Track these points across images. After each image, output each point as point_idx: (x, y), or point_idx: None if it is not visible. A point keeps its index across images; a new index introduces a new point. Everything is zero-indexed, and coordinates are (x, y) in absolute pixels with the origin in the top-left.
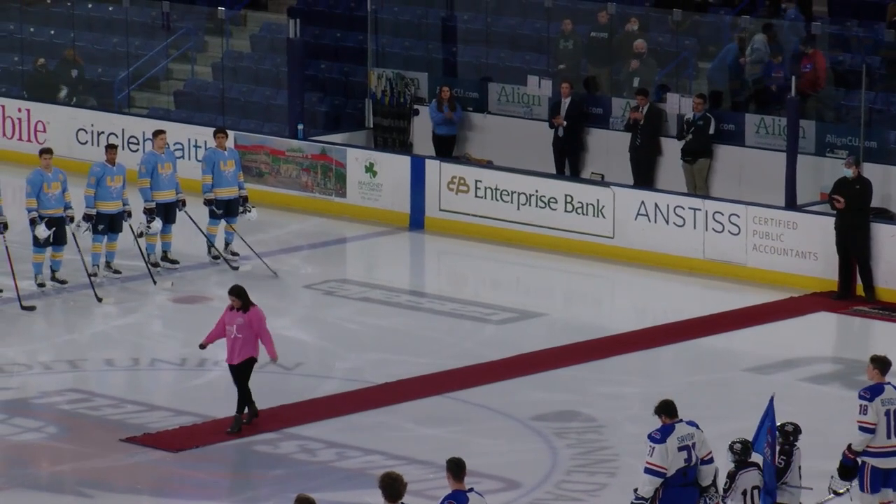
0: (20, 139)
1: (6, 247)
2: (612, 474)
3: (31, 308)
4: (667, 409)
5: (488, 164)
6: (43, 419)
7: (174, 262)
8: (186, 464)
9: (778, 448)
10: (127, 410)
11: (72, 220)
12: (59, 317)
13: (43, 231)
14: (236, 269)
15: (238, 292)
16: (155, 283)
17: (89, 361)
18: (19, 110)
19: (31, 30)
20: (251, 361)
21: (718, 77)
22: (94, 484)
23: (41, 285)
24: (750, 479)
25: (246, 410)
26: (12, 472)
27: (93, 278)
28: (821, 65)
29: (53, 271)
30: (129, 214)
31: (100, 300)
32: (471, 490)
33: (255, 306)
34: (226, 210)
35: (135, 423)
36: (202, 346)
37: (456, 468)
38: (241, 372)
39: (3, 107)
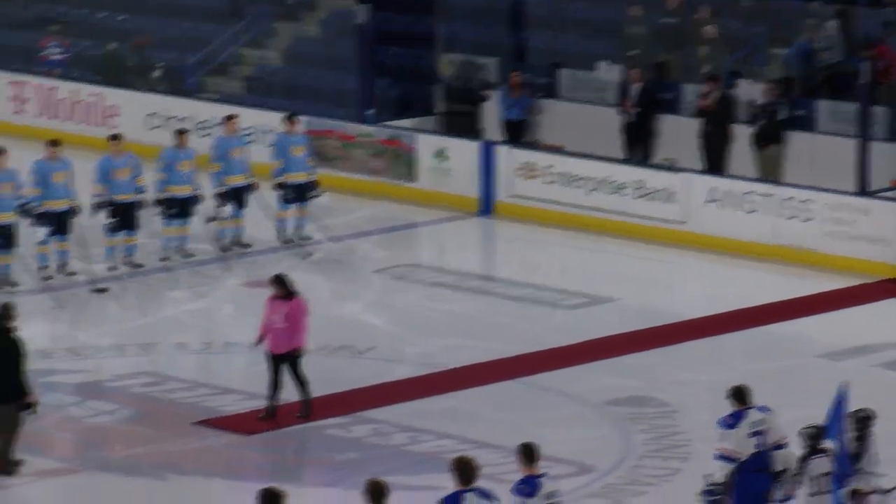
0: (92, 124)
1: (78, 230)
2: (685, 459)
3: (104, 290)
4: (738, 395)
5: (559, 150)
6: (117, 402)
7: (246, 245)
8: (258, 447)
9: (852, 435)
10: (199, 393)
11: (145, 204)
12: (131, 300)
13: (107, 218)
14: (310, 255)
15: (279, 280)
16: (226, 269)
17: (162, 345)
18: (92, 95)
19: (103, 15)
20: (297, 351)
21: (791, 63)
22: (168, 467)
23: (112, 268)
24: (820, 465)
25: (284, 400)
26: (87, 455)
27: (165, 262)
28: (891, 55)
29: (127, 256)
30: (201, 199)
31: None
32: (544, 475)
33: (299, 295)
34: (297, 194)
35: (207, 406)
36: (258, 342)
37: (528, 452)
38: (287, 362)
39: (76, 91)
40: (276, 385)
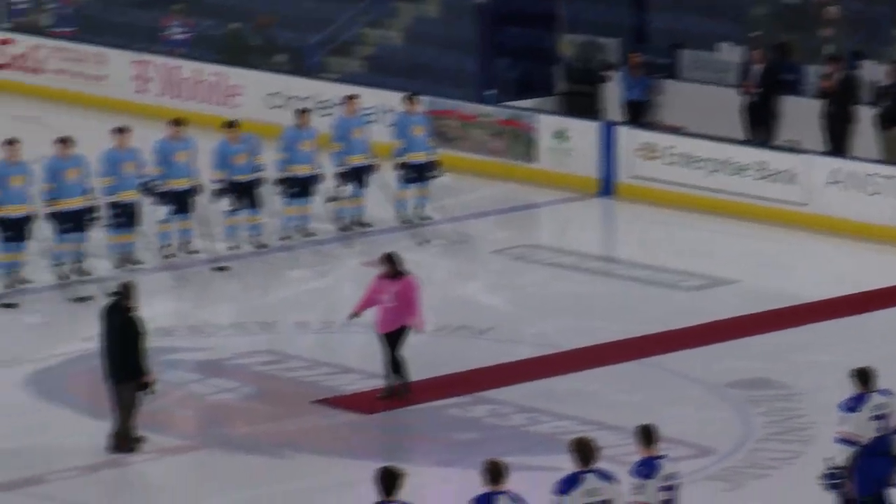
0: (214, 103)
1: (200, 209)
2: (807, 442)
3: (225, 268)
4: (862, 378)
5: (680, 131)
6: (237, 380)
7: (366, 225)
8: (378, 426)
9: None
10: (320, 372)
11: (263, 183)
12: (253, 279)
13: (226, 204)
14: (427, 242)
15: (389, 258)
16: (345, 249)
17: (282, 323)
18: (214, 74)
19: None
20: (404, 330)
21: None
22: (287, 445)
23: (234, 248)
24: None
25: (396, 381)
26: (208, 432)
27: (286, 241)
28: None
29: (253, 235)
30: (322, 178)
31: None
32: (663, 457)
33: (409, 274)
34: (417, 175)
35: (327, 384)
36: (353, 316)
37: (648, 434)
38: (394, 341)
39: (199, 71)
40: (391, 364)
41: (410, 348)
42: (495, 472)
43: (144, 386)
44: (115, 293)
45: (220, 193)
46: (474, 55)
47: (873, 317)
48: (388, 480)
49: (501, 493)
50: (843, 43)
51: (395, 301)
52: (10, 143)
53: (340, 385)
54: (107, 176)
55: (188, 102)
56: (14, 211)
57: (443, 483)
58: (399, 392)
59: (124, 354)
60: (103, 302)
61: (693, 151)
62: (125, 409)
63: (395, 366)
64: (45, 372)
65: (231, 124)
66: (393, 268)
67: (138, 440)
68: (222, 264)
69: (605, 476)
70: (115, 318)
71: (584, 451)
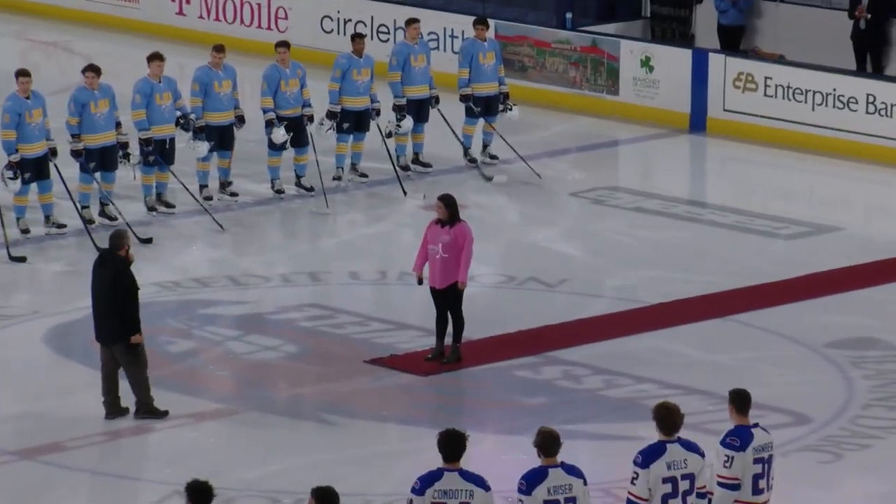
0: (259, 27)
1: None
2: None
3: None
4: None
5: (780, 59)
6: (281, 337)
7: (427, 165)
8: (437, 389)
9: None
10: (373, 329)
11: (311, 119)
12: (299, 225)
13: (281, 135)
14: (490, 179)
15: (448, 201)
16: (405, 193)
17: (332, 274)
18: None
19: None
20: (456, 287)
21: None
22: (336, 409)
23: (279, 192)
24: None
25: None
26: (248, 394)
27: (335, 181)
28: None
29: (299, 177)
30: (378, 112)
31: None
32: (756, 425)
33: (463, 222)
34: (484, 108)
35: (381, 342)
36: (420, 282)
37: (740, 400)
38: (450, 298)
39: None
40: (442, 323)
41: (474, 302)
42: (545, 444)
43: (131, 347)
44: (109, 243)
45: (270, 124)
46: None
47: None
48: (452, 444)
49: (555, 466)
50: None
51: (446, 252)
52: (22, 74)
53: (396, 343)
54: (139, 108)
55: (231, 27)
56: (32, 150)
57: (508, 452)
58: (449, 357)
59: (120, 312)
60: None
61: (795, 82)
62: (132, 372)
63: (444, 325)
64: (68, 326)
65: (281, 44)
66: (445, 213)
67: (165, 412)
68: (264, 208)
69: (691, 447)
70: (107, 272)
71: (669, 417)
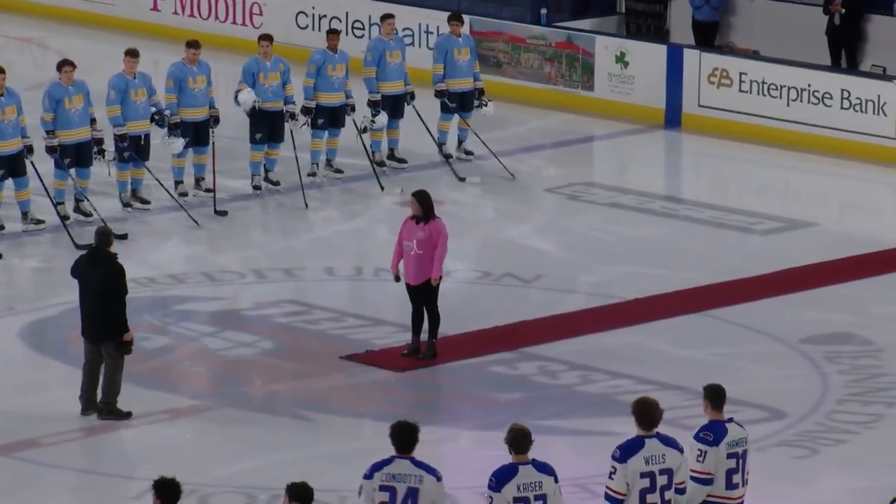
0: (234, 22)
1: (213, 142)
2: (891, 404)
3: (223, 213)
4: None
5: (755, 55)
6: (257, 333)
7: (402, 161)
8: (413, 385)
9: None
10: (348, 325)
11: (292, 115)
12: (275, 220)
13: (249, 97)
14: (463, 180)
15: (422, 197)
16: (382, 188)
17: (308, 270)
18: None
19: None
20: (430, 283)
21: None
22: (312, 405)
23: (256, 187)
24: None
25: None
26: (224, 390)
27: (310, 178)
28: None
29: (267, 171)
30: (353, 108)
31: (307, 205)
32: (730, 420)
33: (438, 218)
34: (459, 104)
35: (357, 338)
36: (397, 279)
37: (714, 395)
38: (425, 294)
39: None
40: (418, 320)
41: (449, 298)
42: (516, 441)
43: (123, 345)
44: (97, 241)
45: (250, 116)
46: None
47: None
48: (403, 436)
49: (525, 463)
50: None
51: (422, 248)
52: None
53: (371, 339)
54: (114, 105)
55: (206, 22)
56: (8, 147)
57: (483, 448)
58: (424, 353)
59: (113, 310)
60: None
61: (770, 78)
62: (112, 370)
63: (420, 321)
64: (43, 323)
65: (264, 37)
66: (419, 209)
67: (129, 413)
68: (221, 208)
69: (668, 442)
70: (99, 270)
71: (648, 412)
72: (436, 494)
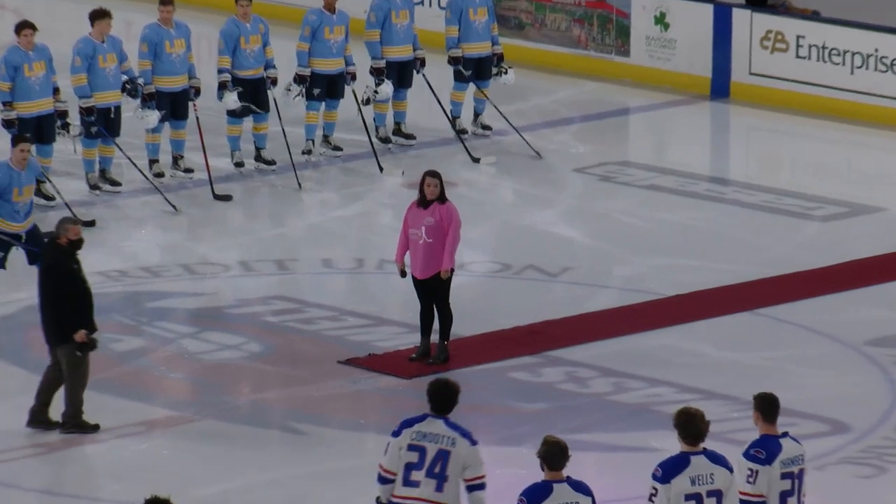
0: None
1: (197, 117)
2: None
3: (227, 198)
4: None
5: (814, 15)
6: (243, 334)
7: (410, 137)
8: (422, 394)
9: None
10: (348, 325)
11: (274, 82)
12: (263, 205)
13: (233, 101)
14: (478, 161)
15: (424, 179)
16: (381, 169)
17: (301, 262)
18: None
19: None
20: (441, 276)
21: None
22: (307, 417)
23: (239, 164)
24: None
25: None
26: (205, 400)
27: (304, 156)
28: None
29: (258, 149)
30: (353, 76)
31: (301, 186)
32: (785, 435)
33: (449, 202)
34: (475, 72)
35: (358, 340)
36: (403, 274)
37: (766, 406)
38: (435, 289)
39: None
40: (427, 318)
41: (463, 293)
42: (551, 456)
43: (80, 347)
44: (57, 233)
45: (224, 86)
46: None
47: None
48: (440, 396)
49: (561, 481)
50: None
51: (430, 236)
52: None
53: (374, 341)
54: (80, 73)
55: None
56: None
57: (503, 466)
58: (435, 357)
59: (53, 311)
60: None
61: (831, 42)
62: (68, 378)
63: (430, 321)
64: (1, 321)
65: None
66: (438, 190)
67: (96, 426)
68: (223, 191)
69: (716, 459)
70: (40, 265)
71: (692, 424)
72: (469, 460)
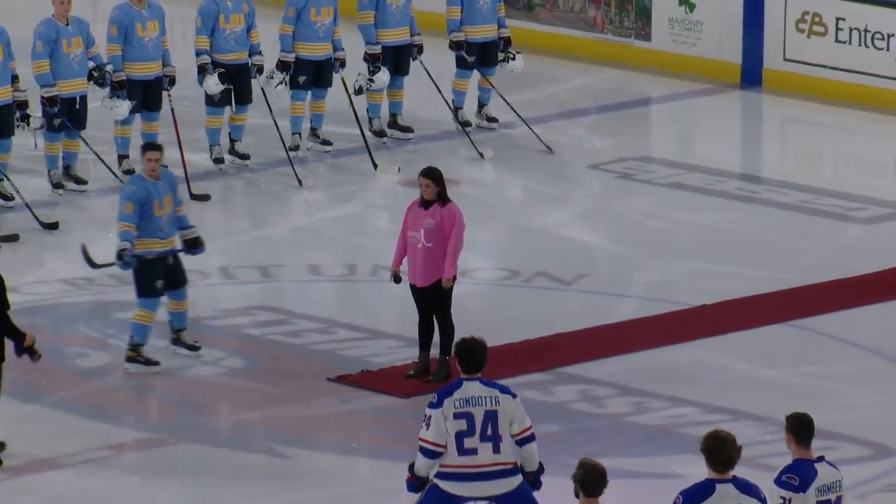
0: None
1: (172, 108)
2: None
3: (205, 197)
4: None
5: None
6: (222, 348)
7: (406, 129)
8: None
9: None
10: (339, 338)
11: (260, 70)
12: (243, 206)
13: (214, 84)
14: (483, 155)
15: (435, 176)
16: (375, 165)
17: (286, 268)
18: None
19: None
20: (442, 285)
21: None
22: (293, 440)
23: (218, 161)
24: None
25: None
26: (182, 422)
27: (291, 152)
28: None
29: (233, 141)
30: (343, 63)
31: (301, 183)
32: (820, 459)
33: (452, 203)
34: (480, 57)
35: (349, 355)
36: (397, 280)
37: (800, 428)
38: (435, 298)
39: None
40: (426, 331)
41: (467, 303)
42: (589, 482)
43: (26, 351)
44: None
45: (203, 70)
46: None
47: None
48: (468, 355)
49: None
50: None
51: (430, 240)
52: None
53: (368, 356)
54: (41, 59)
55: None
56: None
57: None
58: (435, 373)
59: None
60: None
61: (874, 24)
62: None
63: (429, 334)
64: None
65: None
66: (434, 191)
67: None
68: (200, 190)
69: (746, 488)
70: None
71: (720, 450)
72: (515, 413)
